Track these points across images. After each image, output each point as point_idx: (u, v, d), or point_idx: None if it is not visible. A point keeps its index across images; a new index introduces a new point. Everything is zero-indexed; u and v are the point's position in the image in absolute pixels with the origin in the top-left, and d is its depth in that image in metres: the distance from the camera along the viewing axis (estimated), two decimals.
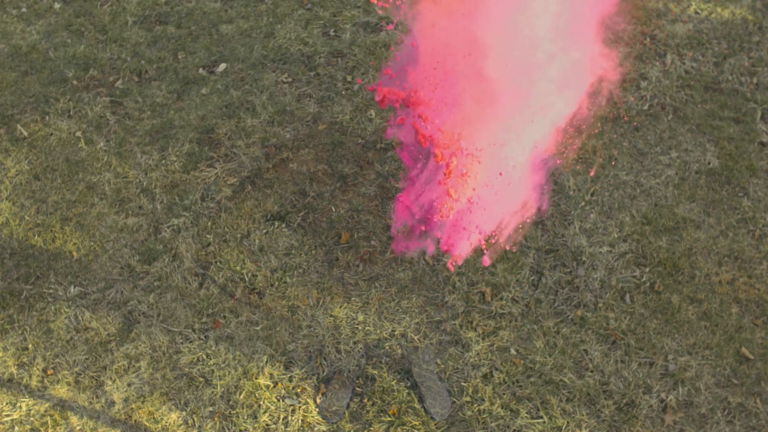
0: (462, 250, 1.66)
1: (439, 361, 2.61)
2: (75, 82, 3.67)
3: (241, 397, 2.54)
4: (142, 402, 2.53)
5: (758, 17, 4.00)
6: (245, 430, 2.46)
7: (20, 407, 2.53)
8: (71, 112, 3.51)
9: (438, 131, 1.46)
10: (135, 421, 2.49)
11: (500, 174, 1.50)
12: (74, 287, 2.84)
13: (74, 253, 2.94)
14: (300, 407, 2.51)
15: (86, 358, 2.65)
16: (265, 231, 2.99)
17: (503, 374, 2.57)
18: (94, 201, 3.12)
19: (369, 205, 3.05)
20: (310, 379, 2.58)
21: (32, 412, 2.52)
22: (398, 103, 1.49)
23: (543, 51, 1.35)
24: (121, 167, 3.25)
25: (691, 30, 3.91)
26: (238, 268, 2.86)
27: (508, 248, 1.70)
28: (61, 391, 2.56)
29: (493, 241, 1.64)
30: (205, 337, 2.68)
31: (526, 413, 2.48)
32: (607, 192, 3.12)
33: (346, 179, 3.15)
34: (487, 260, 1.70)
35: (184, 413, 2.51)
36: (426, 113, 1.47)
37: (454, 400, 2.52)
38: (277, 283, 2.82)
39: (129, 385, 2.58)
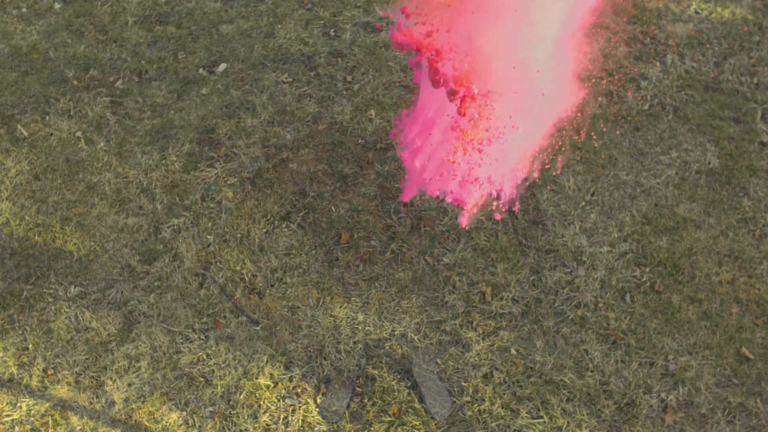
0: (473, 203, 1.66)
1: (439, 361, 2.61)
2: (75, 82, 3.67)
3: (242, 397, 2.54)
4: (143, 402, 2.53)
5: (758, 17, 4.00)
6: (245, 430, 2.46)
7: (20, 407, 2.53)
8: (71, 112, 3.51)
9: (453, 70, 1.45)
10: (135, 421, 2.49)
11: (511, 121, 1.48)
12: (74, 287, 2.84)
13: (74, 253, 2.94)
14: (300, 407, 2.51)
15: (86, 358, 2.65)
16: (265, 231, 2.99)
17: (503, 374, 2.57)
18: (94, 201, 3.13)
19: (369, 205, 3.06)
20: (310, 379, 2.58)
21: (32, 412, 2.52)
22: (414, 46, 1.48)
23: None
24: (121, 167, 3.25)
25: (691, 30, 3.90)
26: (238, 268, 2.86)
27: (515, 206, 1.70)
28: (62, 391, 2.56)
29: (503, 194, 1.63)
30: (206, 337, 2.68)
31: (527, 413, 2.48)
32: (607, 192, 3.12)
33: (346, 179, 3.15)
34: (498, 216, 1.70)
35: (184, 413, 2.51)
36: (441, 52, 1.46)
37: (455, 400, 2.52)
38: (277, 284, 2.82)
39: (129, 385, 2.58)
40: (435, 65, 1.47)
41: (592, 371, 2.57)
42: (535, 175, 1.64)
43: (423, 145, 1.67)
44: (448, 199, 1.71)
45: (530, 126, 1.52)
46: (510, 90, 1.45)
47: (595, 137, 3.26)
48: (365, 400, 2.53)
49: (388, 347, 2.67)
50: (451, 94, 1.46)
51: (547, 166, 1.65)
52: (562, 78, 1.48)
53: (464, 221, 1.83)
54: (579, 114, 1.56)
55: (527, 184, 1.64)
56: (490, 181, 1.61)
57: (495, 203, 1.67)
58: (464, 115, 1.47)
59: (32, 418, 2.50)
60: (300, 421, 2.48)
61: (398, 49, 1.52)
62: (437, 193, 1.72)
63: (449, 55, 1.46)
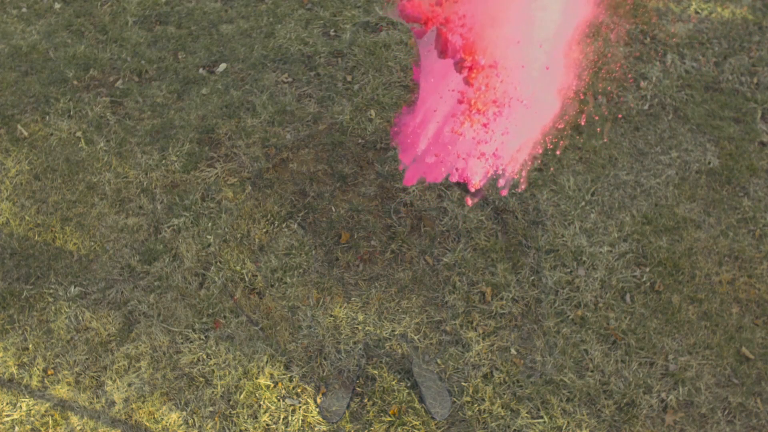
0: (479, 178, 1.65)
1: (439, 361, 2.61)
2: (75, 82, 3.67)
3: (242, 397, 2.54)
4: (143, 402, 2.53)
5: (758, 17, 4.00)
6: (245, 430, 2.46)
7: (20, 407, 2.53)
8: (71, 112, 3.51)
9: (462, 39, 1.45)
10: (135, 421, 2.49)
11: (521, 100, 1.47)
12: (74, 287, 2.84)
13: (74, 253, 2.94)
14: (300, 407, 2.51)
15: (86, 358, 2.65)
16: (265, 231, 2.99)
17: (503, 374, 2.57)
18: (94, 201, 3.13)
19: (369, 205, 3.06)
20: (310, 378, 2.58)
21: (32, 412, 2.52)
22: (423, 17, 1.48)
23: None
24: (121, 167, 3.25)
25: (691, 30, 3.90)
26: (238, 268, 2.86)
27: (522, 183, 1.69)
28: (62, 391, 2.56)
29: (509, 169, 1.63)
30: (206, 337, 2.68)
31: (527, 413, 2.48)
32: (607, 192, 3.12)
33: (346, 179, 3.15)
34: (505, 192, 1.69)
35: (184, 413, 2.51)
36: (450, 21, 1.46)
37: (455, 399, 2.52)
38: (277, 284, 2.82)
39: (129, 385, 2.58)
40: (444, 35, 1.47)
41: (592, 371, 2.57)
42: (540, 150, 1.64)
43: (427, 121, 1.66)
44: (453, 178, 1.70)
45: (536, 100, 1.52)
46: (517, 63, 1.45)
47: (597, 118, 3.26)
48: (365, 400, 2.53)
49: (388, 347, 2.67)
50: (459, 64, 1.46)
51: (550, 146, 1.65)
52: (565, 49, 1.48)
53: (470, 199, 1.82)
54: (581, 83, 1.56)
55: (533, 161, 1.64)
56: (496, 155, 1.60)
57: (501, 180, 1.67)
58: (471, 85, 1.47)
59: (32, 418, 2.50)
60: (300, 421, 2.48)
61: (407, 22, 1.52)
62: (442, 170, 1.70)
63: (458, 24, 1.46)
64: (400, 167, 1.78)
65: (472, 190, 1.68)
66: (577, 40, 1.49)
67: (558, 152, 3.11)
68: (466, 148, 1.63)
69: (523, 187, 1.75)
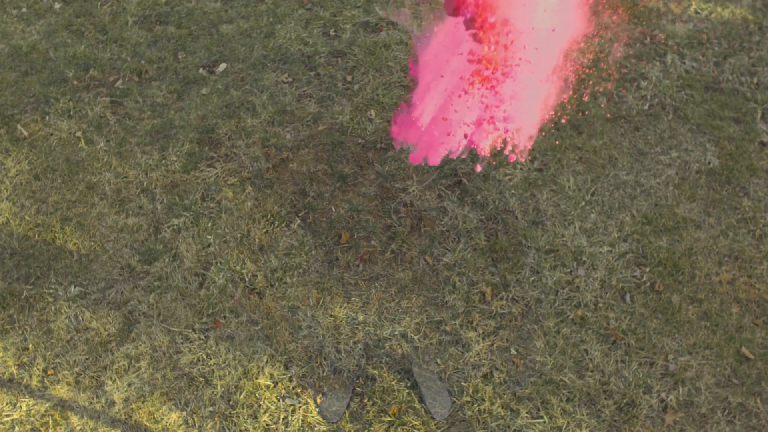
0: (487, 144, 1.64)
1: (439, 361, 2.61)
2: (75, 82, 3.67)
3: (242, 397, 2.54)
4: (143, 402, 2.53)
5: (758, 17, 4.00)
6: (245, 430, 2.46)
7: (20, 407, 2.53)
8: (71, 112, 3.51)
9: None
10: (135, 421, 2.49)
11: (526, 53, 1.47)
12: (74, 287, 2.84)
13: (74, 253, 2.94)
14: (300, 407, 2.51)
15: (86, 358, 2.65)
16: (265, 231, 2.99)
17: (503, 374, 2.57)
18: (94, 201, 3.13)
19: (369, 205, 3.06)
20: (310, 378, 2.58)
21: (32, 412, 2.52)
22: None
23: None
24: (121, 167, 3.26)
25: (691, 30, 3.91)
26: (238, 268, 2.86)
27: (530, 147, 1.68)
28: (62, 391, 2.56)
29: (517, 137, 1.62)
30: (206, 337, 2.68)
31: (527, 413, 2.48)
32: (607, 192, 3.12)
33: (346, 179, 3.15)
34: (513, 157, 1.68)
35: (184, 413, 2.51)
36: None
37: (455, 399, 2.52)
38: (277, 284, 2.82)
39: (129, 385, 2.58)
40: None
41: (592, 371, 2.57)
42: (547, 118, 1.63)
43: (436, 81, 1.64)
44: (459, 147, 1.68)
45: (541, 62, 1.51)
46: (527, 25, 1.45)
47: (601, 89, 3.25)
48: (365, 400, 2.53)
49: (388, 347, 2.67)
50: (470, 21, 1.46)
51: (555, 116, 1.64)
52: (571, 9, 1.48)
53: (479, 166, 1.82)
54: (587, 46, 1.56)
55: (541, 127, 1.62)
56: (506, 120, 1.59)
57: (510, 147, 1.66)
58: (482, 42, 1.47)
59: (32, 418, 2.50)
60: (300, 421, 2.48)
61: None
62: (449, 133, 1.67)
63: None
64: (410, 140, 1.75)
65: (481, 155, 1.67)
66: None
67: (563, 120, 3.08)
68: (474, 113, 1.61)
69: (525, 153, 1.72)
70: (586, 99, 3.33)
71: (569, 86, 1.60)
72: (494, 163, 2.90)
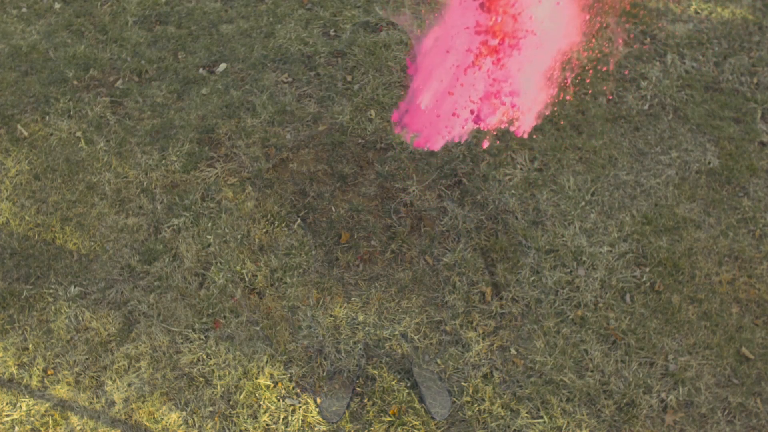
0: (493, 120, 1.62)
1: (439, 361, 2.61)
2: (75, 82, 3.67)
3: (242, 397, 2.54)
4: (143, 402, 2.53)
5: (758, 17, 4.00)
6: (245, 430, 2.46)
7: (20, 407, 2.53)
8: (71, 112, 3.51)
9: None
10: (135, 421, 2.49)
11: (532, 24, 1.45)
12: (74, 287, 2.84)
13: (74, 253, 2.95)
14: (300, 407, 2.51)
15: (86, 358, 2.65)
16: (265, 231, 2.99)
17: (503, 374, 2.57)
18: (94, 201, 3.13)
19: (369, 205, 3.06)
20: (310, 378, 2.58)
21: (32, 412, 2.52)
22: None
23: None
24: (121, 167, 3.26)
25: (691, 30, 3.91)
26: (238, 268, 2.86)
27: (536, 123, 1.66)
28: (62, 391, 2.56)
29: (522, 113, 1.60)
30: (206, 337, 2.68)
31: (527, 413, 2.48)
32: (607, 192, 3.12)
33: (346, 179, 3.15)
34: (519, 132, 1.66)
35: (184, 413, 2.51)
36: None
37: (455, 399, 2.52)
38: (277, 283, 2.82)
39: (129, 385, 2.58)
40: None
41: (592, 371, 2.57)
42: (551, 96, 1.61)
43: (441, 61, 1.62)
44: (464, 126, 1.66)
45: (547, 36, 1.50)
46: None
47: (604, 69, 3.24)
48: (365, 400, 2.53)
49: (388, 347, 2.67)
50: None
51: (560, 97, 1.63)
52: None
53: (486, 142, 1.81)
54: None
55: (548, 102, 1.61)
56: (513, 94, 1.58)
57: (516, 123, 1.64)
58: (489, 11, 1.45)
59: (32, 418, 2.50)
60: (300, 421, 2.48)
61: None
62: (454, 113, 1.65)
63: None
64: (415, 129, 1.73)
65: (485, 129, 1.65)
66: None
67: (569, 97, 3.06)
68: (481, 88, 1.59)
69: (528, 131, 1.70)
70: (589, 91, 3.33)
71: (572, 65, 1.59)
72: (497, 156, 2.89)
